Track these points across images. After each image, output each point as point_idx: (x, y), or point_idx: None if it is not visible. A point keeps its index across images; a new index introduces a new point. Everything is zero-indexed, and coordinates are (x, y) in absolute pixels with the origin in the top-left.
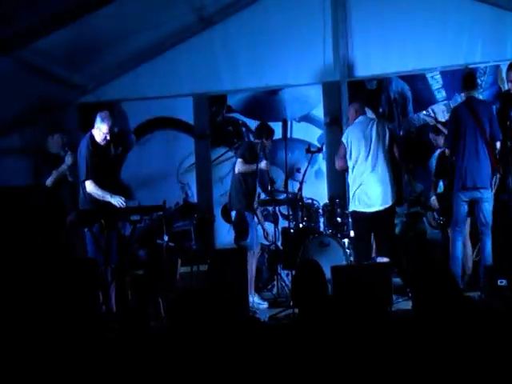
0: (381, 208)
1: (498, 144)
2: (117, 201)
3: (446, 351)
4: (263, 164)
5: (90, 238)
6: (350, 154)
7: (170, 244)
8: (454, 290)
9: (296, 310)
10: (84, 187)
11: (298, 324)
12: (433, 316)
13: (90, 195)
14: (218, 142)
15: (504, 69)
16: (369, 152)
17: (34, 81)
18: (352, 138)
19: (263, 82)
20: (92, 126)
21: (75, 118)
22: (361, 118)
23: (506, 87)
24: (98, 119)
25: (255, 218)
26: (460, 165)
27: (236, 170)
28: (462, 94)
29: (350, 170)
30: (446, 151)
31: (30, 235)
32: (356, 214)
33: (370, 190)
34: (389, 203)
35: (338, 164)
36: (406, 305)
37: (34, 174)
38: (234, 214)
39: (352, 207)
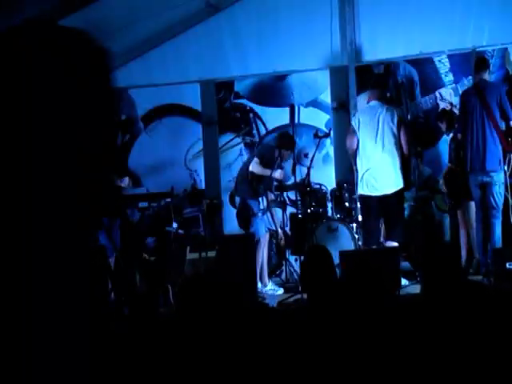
0: (388, 192)
1: None
2: (124, 182)
3: (455, 334)
4: (277, 173)
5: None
6: (358, 138)
7: (179, 231)
8: (461, 273)
9: (305, 295)
10: None
11: (307, 309)
12: (442, 299)
13: None
14: (226, 129)
15: None
16: (376, 136)
17: None
18: (360, 121)
19: (270, 67)
20: None
21: None
22: (372, 102)
23: None
24: None
25: (261, 205)
26: (469, 148)
27: (250, 168)
28: (470, 77)
29: (358, 154)
30: (458, 135)
31: None
32: (364, 198)
33: (377, 174)
34: (396, 188)
35: (347, 145)
36: (415, 289)
37: None
38: (238, 200)
39: (360, 191)
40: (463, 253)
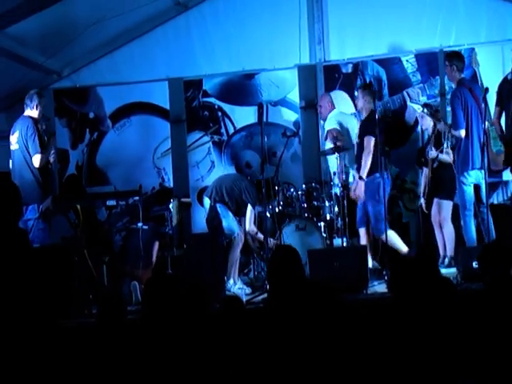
0: None
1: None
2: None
3: (422, 332)
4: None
5: (42, 225)
6: None
7: (146, 228)
8: (431, 271)
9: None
10: (32, 163)
11: (275, 308)
12: (409, 298)
13: (37, 179)
14: (194, 127)
15: (479, 52)
16: None
17: (9, 66)
18: None
19: (239, 66)
20: (22, 110)
21: (50, 103)
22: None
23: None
24: (29, 100)
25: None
26: (467, 145)
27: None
28: (437, 77)
29: None
30: (457, 133)
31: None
32: None
33: None
34: None
35: None
36: (383, 288)
37: None
38: (206, 202)
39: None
40: (441, 250)
